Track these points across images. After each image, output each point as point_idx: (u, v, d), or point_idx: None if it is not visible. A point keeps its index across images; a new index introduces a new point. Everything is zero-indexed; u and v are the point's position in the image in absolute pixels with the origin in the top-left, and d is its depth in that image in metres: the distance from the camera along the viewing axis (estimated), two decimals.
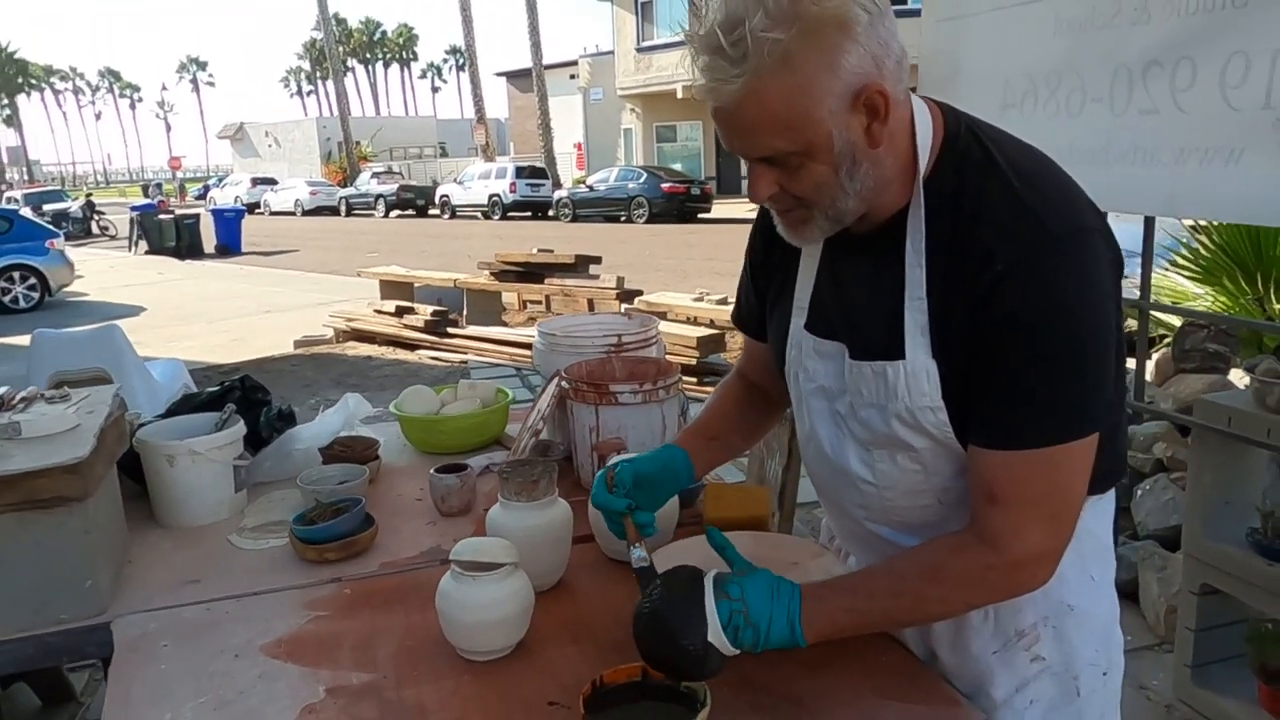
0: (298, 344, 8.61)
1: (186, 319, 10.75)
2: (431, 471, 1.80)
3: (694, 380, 5.83)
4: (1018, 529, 1.03)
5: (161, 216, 19.55)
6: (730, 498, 1.68)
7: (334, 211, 32.46)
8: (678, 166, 27.44)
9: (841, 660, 1.22)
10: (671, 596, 1.09)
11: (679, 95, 27.80)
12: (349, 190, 33.28)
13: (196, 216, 19.58)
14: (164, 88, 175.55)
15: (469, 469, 1.82)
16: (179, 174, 68.34)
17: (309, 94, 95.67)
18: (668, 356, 2.19)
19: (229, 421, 1.85)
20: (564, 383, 1.89)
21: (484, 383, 2.29)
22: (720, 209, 23.44)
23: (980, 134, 1.07)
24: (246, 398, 2.03)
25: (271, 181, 37.69)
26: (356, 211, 31.85)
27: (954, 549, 1.07)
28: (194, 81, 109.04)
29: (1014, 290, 0.97)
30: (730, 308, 7.25)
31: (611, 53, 30.55)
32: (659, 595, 1.09)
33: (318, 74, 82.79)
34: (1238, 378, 3.24)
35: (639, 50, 28.73)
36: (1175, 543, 2.74)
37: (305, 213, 32.83)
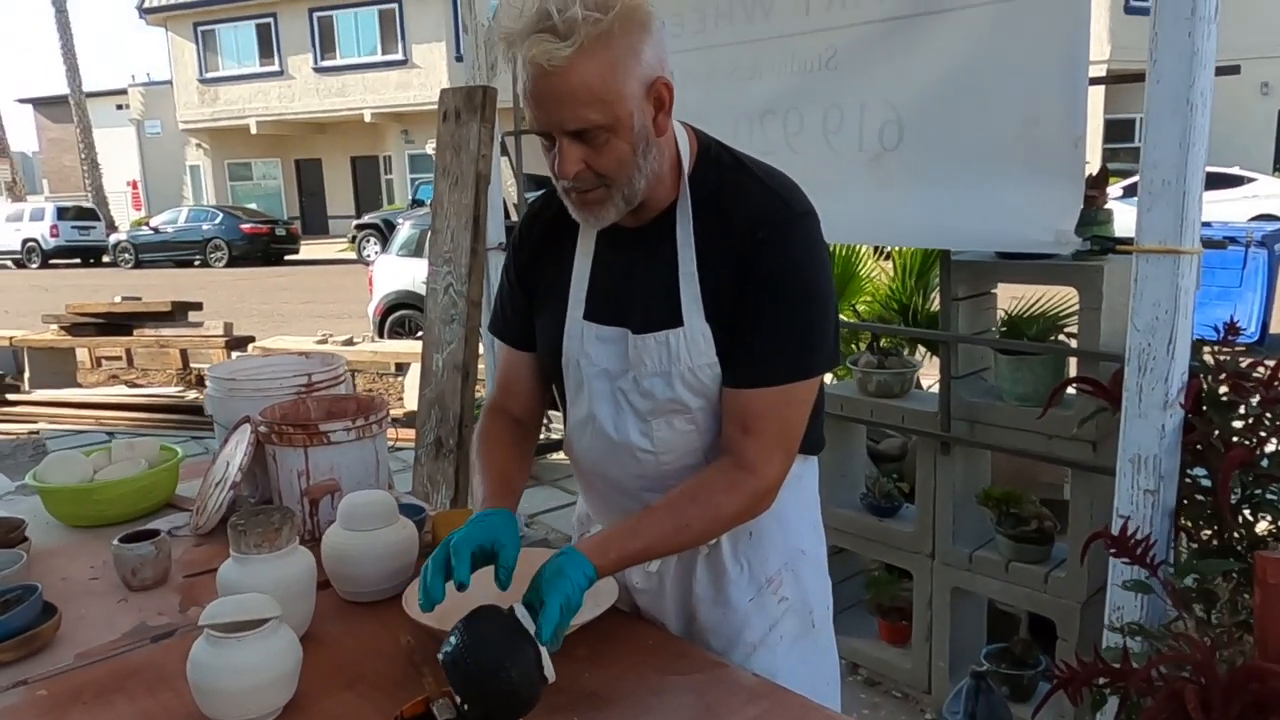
0: None
1: None
2: (114, 543, 1.57)
3: None
4: (767, 456, 1.23)
5: None
6: (460, 521, 1.68)
7: None
8: (254, 206, 25.64)
9: (619, 650, 1.32)
10: (491, 642, 1.07)
11: (253, 130, 26.06)
12: None
13: None
14: None
15: (161, 534, 1.62)
16: None
17: None
18: None
19: None
20: (261, 427, 1.76)
21: (142, 441, 2.04)
22: (309, 250, 22.27)
23: (726, 147, 1.31)
24: None
25: None
26: None
27: (716, 475, 1.24)
28: None
29: (769, 253, 1.20)
30: (355, 348, 6.94)
31: (169, 83, 27.77)
32: (478, 649, 1.07)
33: None
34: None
35: (203, 82, 26.44)
36: None
37: None
